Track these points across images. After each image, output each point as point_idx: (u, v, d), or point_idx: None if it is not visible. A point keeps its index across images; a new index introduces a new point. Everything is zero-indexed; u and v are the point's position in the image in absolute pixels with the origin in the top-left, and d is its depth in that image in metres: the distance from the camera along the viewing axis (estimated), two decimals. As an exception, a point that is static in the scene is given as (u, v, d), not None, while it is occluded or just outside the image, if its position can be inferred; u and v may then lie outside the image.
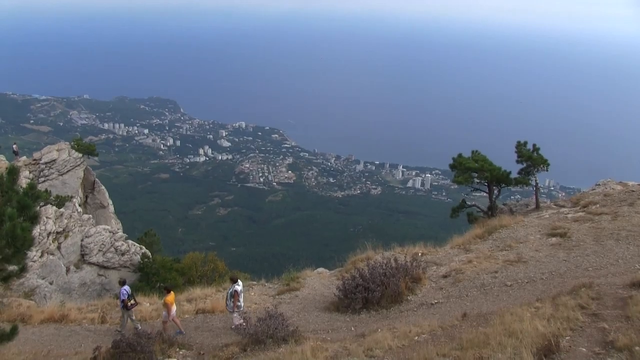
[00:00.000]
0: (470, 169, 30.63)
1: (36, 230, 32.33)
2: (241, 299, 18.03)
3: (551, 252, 20.04)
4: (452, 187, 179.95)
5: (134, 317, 19.09)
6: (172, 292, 18.71)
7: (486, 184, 31.36)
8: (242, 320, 17.24)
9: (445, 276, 20.13)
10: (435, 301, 18.01)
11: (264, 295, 22.59)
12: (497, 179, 30.78)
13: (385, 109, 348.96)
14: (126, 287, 19.06)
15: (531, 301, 14.94)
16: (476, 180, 31.22)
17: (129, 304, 18.77)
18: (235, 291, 17.81)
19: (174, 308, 18.50)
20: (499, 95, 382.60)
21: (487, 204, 32.74)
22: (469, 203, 33.99)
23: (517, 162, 30.92)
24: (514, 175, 30.96)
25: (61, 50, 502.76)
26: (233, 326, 17.79)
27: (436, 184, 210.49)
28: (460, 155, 32.20)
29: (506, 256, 20.49)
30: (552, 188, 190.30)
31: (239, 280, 18.40)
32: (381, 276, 18.65)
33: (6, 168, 11.63)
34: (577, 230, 22.02)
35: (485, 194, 32.57)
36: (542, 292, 16.36)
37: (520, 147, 30.80)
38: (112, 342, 16.49)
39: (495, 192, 31.82)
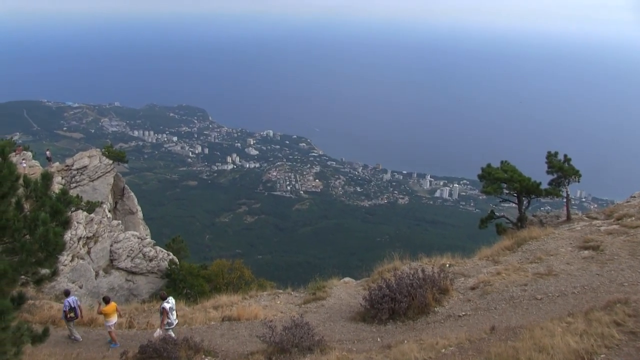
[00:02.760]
0: (500, 179, 30.18)
1: (67, 235, 32.75)
2: (172, 316, 17.93)
3: (583, 266, 19.52)
4: (480, 197, 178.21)
5: (72, 329, 19.07)
6: (112, 302, 19.11)
7: (515, 194, 30.84)
8: (160, 334, 17.49)
9: (473, 288, 19.79)
10: (463, 313, 17.71)
11: (290, 304, 22.51)
12: (526, 189, 30.23)
13: (413, 117, 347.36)
14: (70, 299, 19.05)
15: (562, 316, 14.55)
16: (505, 190, 30.73)
17: (68, 315, 18.80)
18: (164, 308, 17.78)
19: (112, 319, 18.81)
20: (528, 103, 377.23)
21: (516, 215, 32.18)
22: (497, 214, 33.43)
23: (548, 172, 30.36)
24: (544, 186, 30.33)
25: (94, 59, 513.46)
26: (153, 338, 17.61)
27: (464, 194, 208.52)
28: (489, 166, 31.77)
29: (536, 269, 20.05)
30: (584, 199, 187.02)
31: (168, 298, 18.26)
32: (408, 287, 18.42)
33: (40, 174, 11.78)
34: (610, 243, 21.42)
35: (514, 205, 32.04)
36: (574, 306, 15.92)
37: (550, 157, 30.25)
38: (139, 347, 16.60)
39: (525, 203, 31.24)
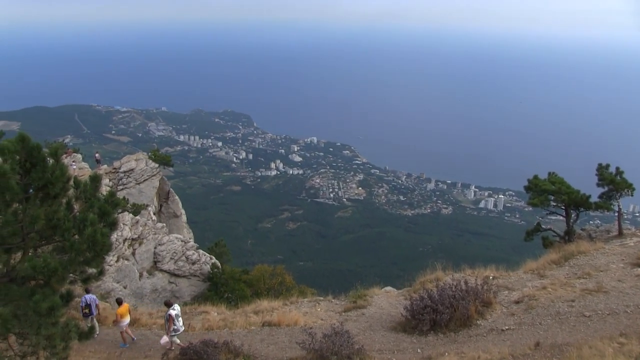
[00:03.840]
0: (547, 191, 29.52)
1: (114, 236, 33.43)
2: (177, 322, 18.11)
3: (637, 284, 18.78)
4: (526, 209, 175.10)
5: (89, 324, 19.28)
6: (125, 304, 19.71)
7: (563, 207, 30.10)
8: (167, 340, 17.84)
9: (517, 302, 19.32)
10: (506, 327, 17.30)
11: (330, 311, 22.43)
12: (575, 202, 29.48)
13: (457, 127, 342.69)
14: (87, 296, 19.50)
15: (614, 335, 14.05)
16: (552, 203, 30.04)
17: (84, 311, 19.31)
18: (170, 315, 17.96)
19: (125, 319, 19.28)
20: (577, 113, 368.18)
21: (563, 229, 31.41)
22: (544, 226, 32.70)
23: (598, 185, 29.48)
24: (594, 199, 29.53)
25: (143, 64, 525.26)
26: (169, 348, 18.11)
27: (509, 205, 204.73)
28: (536, 177, 31.12)
29: (584, 284, 19.45)
30: (638, 214, 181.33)
31: (174, 305, 18.54)
32: (450, 298, 18.14)
33: (89, 176, 12.06)
34: (667, 261, 20.69)
35: (561, 218, 31.26)
36: (627, 326, 15.33)
37: (601, 169, 29.40)
38: (180, 348, 16.79)
39: (573, 216, 30.45)
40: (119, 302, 19.84)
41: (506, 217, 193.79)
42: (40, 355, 11.03)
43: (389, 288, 26.09)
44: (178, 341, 18.19)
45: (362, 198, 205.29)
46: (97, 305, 19.99)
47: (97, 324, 19.87)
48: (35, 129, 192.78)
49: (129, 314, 19.96)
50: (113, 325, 19.54)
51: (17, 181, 10.11)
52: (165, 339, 18.19)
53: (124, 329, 19.32)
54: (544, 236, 31.98)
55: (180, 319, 18.35)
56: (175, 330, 18.08)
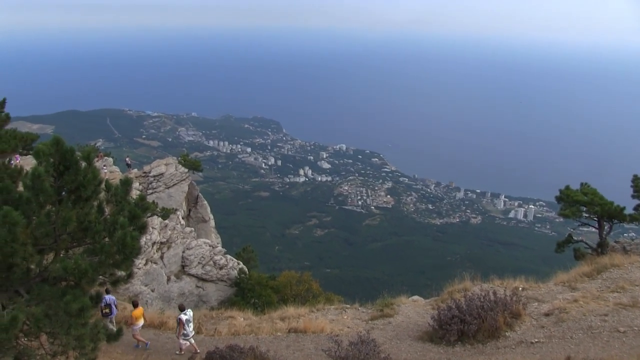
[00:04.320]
0: (579, 202, 28.99)
1: (143, 240, 33.82)
2: (188, 327, 18.38)
3: (673, 299, 18.36)
4: (557, 220, 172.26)
5: (108, 324, 19.49)
6: (139, 307, 20.06)
7: (596, 218, 29.49)
8: (183, 345, 18.55)
9: (547, 314, 18.96)
10: (536, 340, 16.99)
11: (357, 319, 22.34)
12: (608, 214, 28.84)
13: (488, 135, 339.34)
14: (107, 297, 19.72)
15: (650, 353, 13.71)
16: (585, 214, 29.48)
17: (103, 311, 19.50)
18: (180, 319, 18.28)
19: (139, 322, 19.65)
20: (610, 124, 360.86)
21: (596, 240, 30.77)
22: (575, 238, 32.10)
23: (633, 197, 28.91)
24: (629, 211, 28.93)
25: (174, 70, 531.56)
26: (177, 352, 18.76)
27: (540, 215, 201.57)
28: (568, 188, 30.59)
29: (618, 298, 18.99)
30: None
31: (187, 310, 18.77)
32: (478, 309, 17.91)
33: (120, 179, 12.23)
34: None
35: (594, 230, 30.63)
36: (664, 344, 14.97)
37: (637, 181, 28.81)
38: (206, 353, 16.89)
39: (606, 228, 29.80)
40: (135, 304, 20.24)
41: (536, 228, 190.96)
42: (69, 355, 11.20)
43: (416, 297, 25.90)
44: (189, 343, 18.65)
45: (391, 206, 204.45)
46: (116, 305, 20.37)
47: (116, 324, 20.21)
48: (68, 132, 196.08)
49: (144, 317, 20.30)
50: (127, 327, 19.80)
51: (50, 183, 10.29)
52: (181, 343, 18.68)
53: (137, 331, 19.68)
54: (576, 248, 31.37)
55: (191, 324, 18.64)
56: (185, 335, 18.41)
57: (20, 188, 10.59)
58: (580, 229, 31.98)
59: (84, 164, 10.95)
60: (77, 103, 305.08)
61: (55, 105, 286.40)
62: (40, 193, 10.03)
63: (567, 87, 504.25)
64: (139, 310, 19.90)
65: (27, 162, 35.49)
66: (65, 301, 9.89)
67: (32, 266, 10.54)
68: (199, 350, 18.69)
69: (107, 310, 19.74)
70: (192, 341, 18.72)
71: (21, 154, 41.93)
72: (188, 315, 18.62)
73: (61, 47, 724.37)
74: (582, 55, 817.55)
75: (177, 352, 18.74)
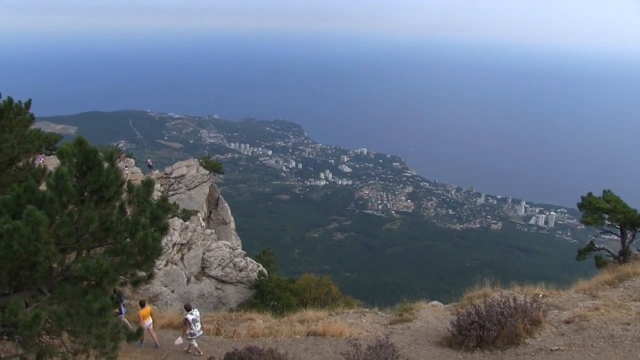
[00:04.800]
0: (601, 209, 28.59)
1: (163, 241, 34.11)
2: (194, 327, 18.66)
3: (697, 309, 18.05)
4: (578, 227, 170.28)
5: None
6: (147, 306, 20.39)
7: (618, 226, 29.04)
8: (181, 342, 19.11)
9: (567, 322, 18.74)
10: (556, 347, 16.79)
11: (376, 323, 22.31)
12: (631, 222, 28.43)
13: (508, 141, 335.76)
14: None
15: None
16: (607, 222, 29.09)
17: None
18: (186, 319, 18.61)
19: (147, 321, 19.87)
20: (635, 131, 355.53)
21: (618, 248, 30.34)
22: (597, 246, 31.67)
23: (657, 205, 28.51)
24: (652, 219, 28.48)
25: (196, 72, 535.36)
26: (185, 348, 19.19)
27: (561, 222, 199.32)
28: (590, 195, 30.19)
29: (641, 307, 18.78)
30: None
31: (193, 310, 19.06)
32: (498, 315, 17.76)
33: (143, 180, 12.35)
34: None
35: (616, 238, 30.17)
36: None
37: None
38: (225, 354, 16.98)
39: (629, 236, 29.33)
40: (142, 304, 20.56)
41: (557, 235, 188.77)
42: (90, 354, 11.36)
43: (435, 302, 25.81)
44: (196, 344, 18.94)
45: (411, 211, 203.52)
46: (124, 305, 20.64)
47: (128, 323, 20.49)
48: (91, 133, 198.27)
49: (151, 316, 20.50)
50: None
51: (73, 183, 10.43)
52: (180, 340, 19.11)
53: (147, 328, 19.95)
54: (597, 255, 30.92)
55: (198, 323, 18.89)
56: (192, 334, 18.70)
57: (44, 187, 10.74)
58: (602, 236, 31.50)
59: (106, 164, 11.08)
60: (100, 104, 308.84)
61: (78, 106, 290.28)
62: (63, 193, 10.17)
63: (590, 94, 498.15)
64: (146, 309, 20.18)
65: (50, 162, 36.00)
66: (86, 300, 10.02)
67: (55, 265, 10.68)
68: (202, 353, 18.93)
69: (117, 310, 20.03)
70: (195, 344, 18.99)
71: (45, 154, 42.57)
72: (195, 315, 18.90)
73: (85, 49, 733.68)
74: (603, 61, 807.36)
75: (185, 349, 19.07)
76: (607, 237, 31.25)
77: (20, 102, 18.50)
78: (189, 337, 18.74)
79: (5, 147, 16.68)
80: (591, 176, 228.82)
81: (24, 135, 18.28)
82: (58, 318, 9.95)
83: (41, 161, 40.15)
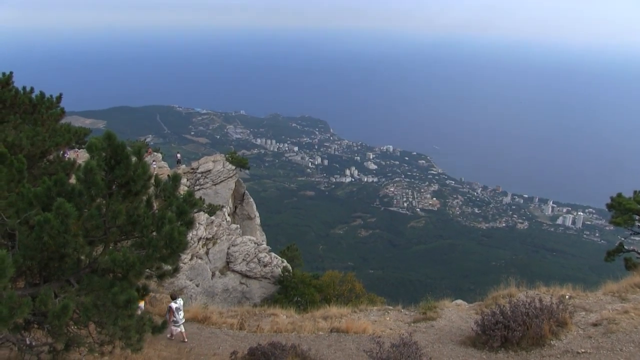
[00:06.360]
0: (631, 210, 28.09)
1: (189, 235, 34.38)
2: (177, 315, 19.11)
3: None
4: (607, 228, 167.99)
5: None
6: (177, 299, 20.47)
7: (649, 228, 28.62)
8: (173, 331, 19.31)
9: (595, 324, 18.40)
10: (583, 350, 16.50)
11: (399, 321, 22.21)
12: (663, 223, 27.99)
13: (536, 141, 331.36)
14: None
15: None
16: (638, 223, 28.60)
17: None
18: (170, 307, 19.12)
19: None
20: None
21: (649, 250, 29.86)
22: (627, 247, 31.15)
23: (689, 207, 27.93)
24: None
25: (223, 68, 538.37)
26: (168, 335, 19.33)
27: (589, 223, 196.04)
28: (619, 195, 29.65)
29: (672, 311, 18.36)
30: None
31: (177, 299, 19.56)
32: (523, 315, 17.54)
33: (170, 175, 12.47)
34: None
35: (647, 239, 29.78)
36: None
37: (693, 191, 27.84)
38: (249, 349, 17.06)
39: (660, 238, 28.93)
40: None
41: (585, 236, 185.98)
42: (116, 345, 11.54)
43: (459, 301, 25.59)
44: (183, 330, 19.47)
45: (436, 209, 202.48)
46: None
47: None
48: (119, 127, 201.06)
49: (146, 304, 20.99)
50: None
51: (102, 177, 10.57)
52: (169, 331, 19.34)
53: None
54: (627, 257, 30.36)
55: (181, 312, 19.38)
56: (175, 322, 19.15)
57: (73, 180, 10.90)
58: (632, 238, 30.98)
59: (134, 158, 11.19)
60: (128, 99, 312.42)
61: (107, 101, 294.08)
62: (92, 186, 10.31)
63: (622, 94, 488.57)
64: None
65: (80, 156, 36.53)
66: (113, 292, 10.16)
67: (83, 257, 10.84)
68: (186, 340, 19.32)
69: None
70: (182, 329, 19.43)
71: (78, 148, 43.21)
72: (178, 304, 19.41)
73: (115, 45, 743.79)
74: (630, 62, 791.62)
75: (168, 336, 19.33)
76: (637, 238, 30.74)
77: (51, 96, 18.82)
78: (174, 325, 19.17)
79: (37, 140, 17.00)
80: (620, 177, 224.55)
81: (54, 129, 18.59)
82: (85, 309, 10.11)
83: (75, 154, 40.84)
